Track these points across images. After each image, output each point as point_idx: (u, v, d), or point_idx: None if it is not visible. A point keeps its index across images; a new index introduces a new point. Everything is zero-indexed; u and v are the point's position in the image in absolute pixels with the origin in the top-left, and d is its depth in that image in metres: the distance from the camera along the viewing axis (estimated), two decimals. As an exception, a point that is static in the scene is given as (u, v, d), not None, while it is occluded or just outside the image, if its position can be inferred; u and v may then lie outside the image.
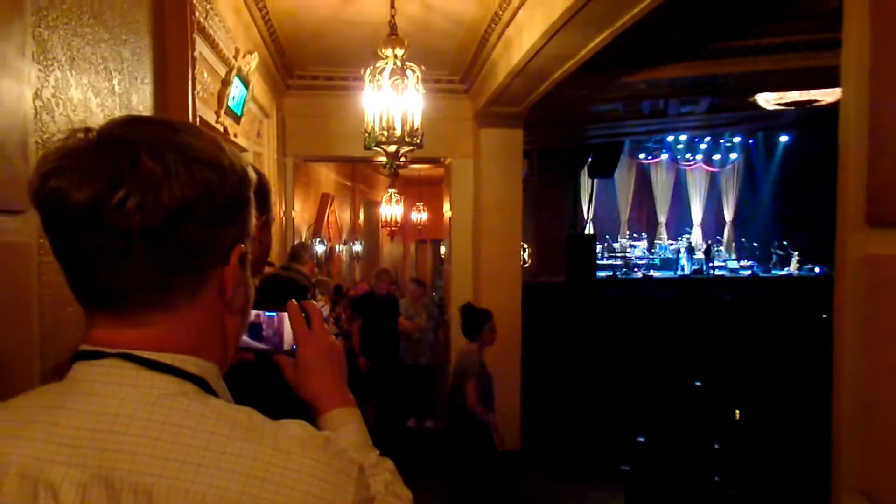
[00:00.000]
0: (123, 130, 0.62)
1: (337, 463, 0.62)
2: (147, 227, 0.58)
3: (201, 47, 2.61)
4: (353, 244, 10.67)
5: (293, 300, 0.91)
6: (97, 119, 1.65)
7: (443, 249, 9.31)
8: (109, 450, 0.58)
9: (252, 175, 0.70)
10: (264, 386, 1.09)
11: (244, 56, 3.27)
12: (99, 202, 0.57)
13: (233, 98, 3.23)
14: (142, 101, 1.97)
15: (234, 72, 3.15)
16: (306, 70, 5.25)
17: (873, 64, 0.93)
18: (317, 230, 7.92)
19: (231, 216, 0.65)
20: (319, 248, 7.37)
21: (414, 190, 11.47)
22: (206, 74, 2.81)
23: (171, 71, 2.14)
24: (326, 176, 8.87)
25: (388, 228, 9.63)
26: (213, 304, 0.67)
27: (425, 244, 13.79)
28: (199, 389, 0.64)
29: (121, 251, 0.59)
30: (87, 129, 0.62)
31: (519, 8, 3.66)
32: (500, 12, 3.87)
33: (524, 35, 3.71)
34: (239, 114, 3.38)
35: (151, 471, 0.57)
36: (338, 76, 5.33)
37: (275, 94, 4.98)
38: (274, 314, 0.93)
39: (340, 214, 9.77)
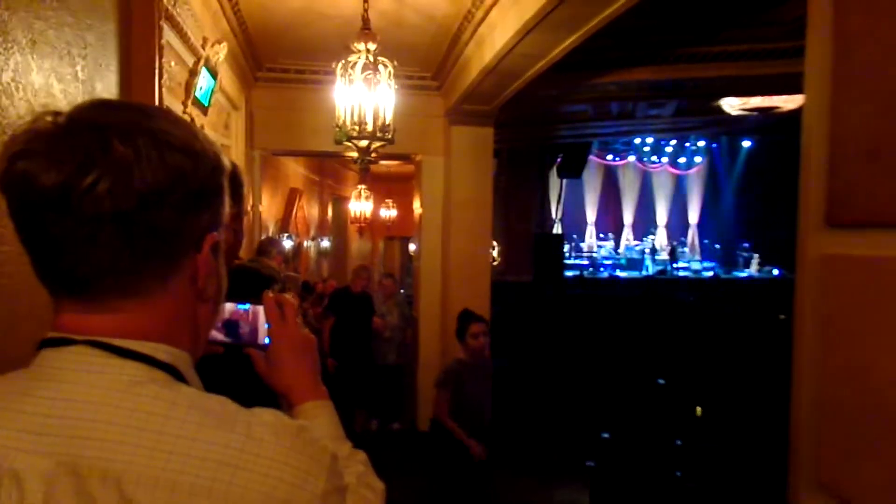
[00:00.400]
0: (94, 114, 0.60)
1: (309, 450, 0.62)
2: (117, 211, 0.57)
3: (168, 35, 2.55)
4: (321, 240, 10.57)
5: (268, 292, 0.91)
6: (60, 105, 1.60)
7: (411, 246, 9.30)
8: (77, 437, 0.57)
9: (226, 163, 0.69)
10: (233, 379, 1.08)
11: (213, 45, 3.21)
12: (68, 186, 0.56)
13: (200, 88, 3.16)
14: (106, 88, 1.92)
15: (203, 61, 3.09)
16: (276, 62, 5.18)
17: (834, 72, 0.96)
18: (284, 225, 7.82)
19: (204, 203, 0.64)
20: (287, 244, 7.28)
21: (383, 186, 11.43)
22: (173, 63, 2.75)
23: (136, 58, 2.09)
24: (295, 171, 8.77)
25: (358, 225, 9.58)
26: (184, 292, 0.66)
27: (394, 241, 13.75)
28: (170, 377, 0.63)
29: (89, 236, 0.58)
30: (57, 113, 0.60)
31: (492, 6, 3.67)
32: (474, 10, 3.89)
33: (497, 34, 3.73)
34: (206, 105, 3.32)
35: (121, 458, 0.56)
36: (308, 69, 5.27)
37: (243, 86, 4.90)
38: (247, 306, 0.91)
39: (308, 210, 9.67)
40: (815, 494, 1.03)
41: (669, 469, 3.79)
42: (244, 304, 0.91)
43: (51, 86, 1.54)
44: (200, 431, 0.58)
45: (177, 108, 2.91)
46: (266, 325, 0.91)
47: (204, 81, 3.18)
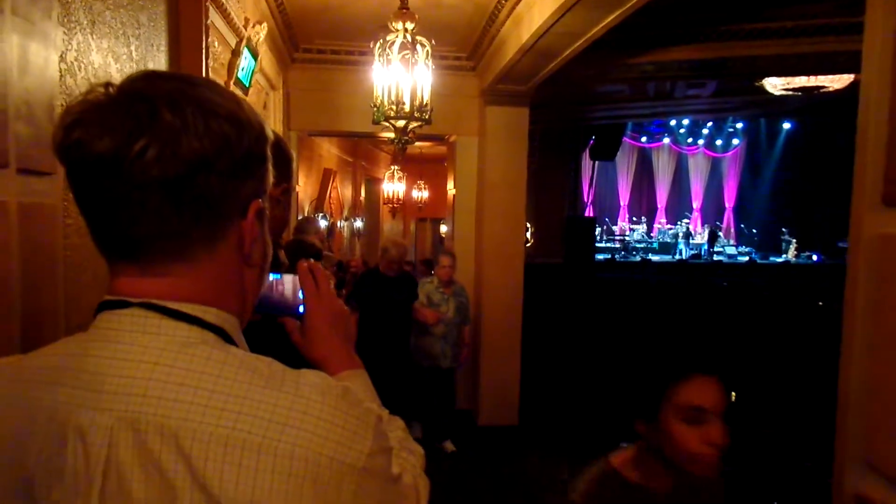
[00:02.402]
0: (143, 84, 0.63)
1: (355, 411, 0.64)
2: (165, 177, 0.60)
3: (213, 16, 2.59)
4: (354, 220, 10.66)
5: (302, 261, 0.92)
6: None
7: (443, 228, 9.31)
8: (135, 394, 0.60)
9: (269, 133, 0.72)
10: (270, 346, 1.11)
11: (253, 26, 3.25)
12: (119, 152, 0.59)
13: (242, 69, 3.21)
14: (157, 68, 1.97)
15: (244, 42, 3.13)
16: (313, 43, 5.20)
17: None
18: (319, 205, 7.91)
19: (249, 170, 0.67)
20: (322, 224, 7.37)
21: (415, 167, 11.44)
22: (216, 44, 2.79)
23: (184, 38, 2.14)
24: (329, 151, 8.84)
25: (391, 205, 9.61)
26: (231, 257, 0.69)
27: (425, 222, 13.79)
28: (220, 339, 0.66)
29: (140, 200, 0.61)
30: (108, 84, 0.63)
31: (531, -16, 3.63)
32: (511, -12, 3.84)
33: (535, 12, 3.68)
34: (247, 85, 3.36)
35: (177, 414, 0.59)
36: (343, 50, 5.29)
37: (281, 67, 4.94)
38: (279, 276, 0.92)
39: (342, 190, 9.75)
40: (863, 473, 1.03)
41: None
42: (276, 273, 0.92)
43: (108, 65, 1.59)
44: (251, 390, 0.60)
45: (220, 88, 2.96)
46: (301, 295, 0.91)
47: (245, 62, 3.22)
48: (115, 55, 1.64)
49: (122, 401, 0.60)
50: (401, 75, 3.28)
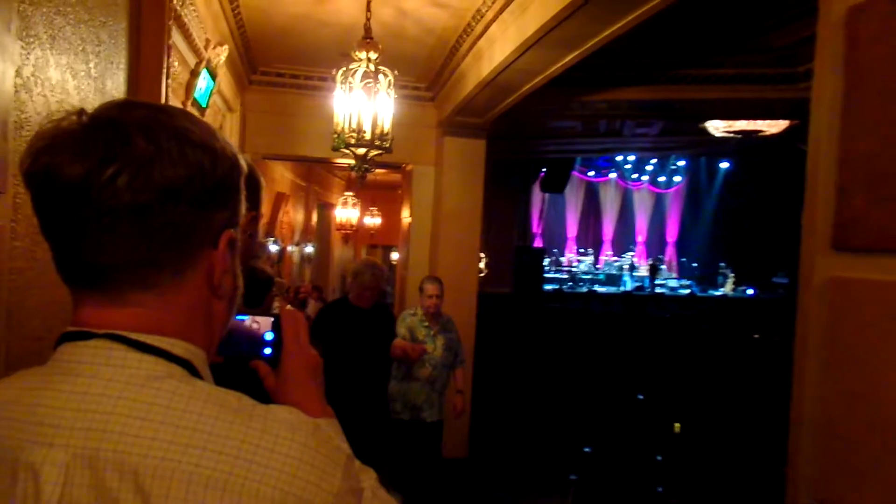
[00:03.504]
0: (117, 112, 0.62)
1: (325, 449, 0.62)
2: (136, 204, 0.59)
3: (174, 35, 2.55)
4: (305, 246, 10.51)
5: (289, 307, 0.90)
6: (73, 101, 1.59)
7: (394, 255, 9.29)
8: (94, 430, 0.58)
9: (243, 163, 0.71)
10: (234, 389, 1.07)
11: (214, 47, 3.21)
12: (89, 178, 0.58)
13: (199, 89, 3.16)
14: (116, 87, 1.91)
15: (204, 63, 3.09)
16: (271, 66, 5.18)
17: (845, 103, 0.99)
18: (270, 230, 7.77)
19: (221, 200, 0.66)
20: (273, 248, 7.22)
21: (368, 194, 11.42)
22: (176, 63, 2.74)
23: (145, 57, 2.09)
24: (282, 175, 8.73)
25: (343, 232, 9.52)
26: (200, 288, 0.67)
27: (376, 249, 13.73)
28: (187, 373, 0.64)
29: (109, 227, 0.59)
30: (81, 112, 0.62)
31: (492, 21, 3.73)
32: (473, 24, 3.94)
33: (496, 48, 3.78)
34: (204, 106, 3.31)
35: (138, 451, 0.56)
36: (303, 75, 5.28)
37: (238, 88, 4.88)
38: (245, 317, 0.89)
39: (294, 215, 9.62)
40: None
41: (651, 484, 3.83)
42: (243, 314, 0.88)
43: (66, 81, 1.53)
44: (217, 426, 0.58)
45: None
46: (267, 338, 0.88)
47: (203, 83, 3.17)
48: (73, 71, 1.58)
49: (80, 436, 0.58)
50: (362, 103, 3.29)
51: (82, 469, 0.57)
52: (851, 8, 0.91)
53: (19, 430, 0.59)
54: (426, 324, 4.06)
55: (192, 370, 0.65)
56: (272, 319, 0.89)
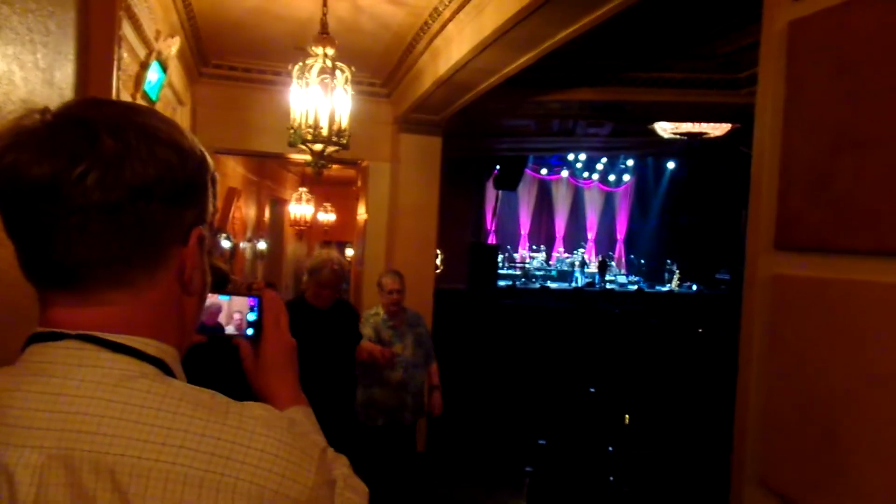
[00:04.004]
0: (82, 110, 0.63)
1: (300, 443, 0.63)
2: (106, 202, 0.59)
3: (124, 26, 2.47)
4: (258, 242, 10.32)
5: (271, 288, 0.92)
6: (20, 93, 1.54)
7: (349, 251, 9.22)
8: (69, 430, 0.58)
9: (210, 161, 0.72)
10: (214, 370, 1.07)
11: (165, 39, 3.12)
12: (58, 177, 0.58)
13: (150, 82, 3.07)
14: (64, 78, 1.85)
15: (154, 55, 3.01)
16: (223, 59, 5.06)
17: (786, 111, 1.05)
18: (222, 225, 7.60)
19: (191, 198, 0.67)
20: (225, 245, 7.06)
21: (322, 189, 11.29)
22: (125, 55, 2.66)
23: (94, 48, 2.02)
24: (234, 169, 8.54)
25: (297, 228, 9.38)
26: (171, 286, 0.68)
27: (330, 245, 13.58)
28: (160, 371, 0.64)
29: (78, 225, 0.59)
30: (45, 110, 0.62)
31: (449, 20, 3.75)
32: (430, 22, 3.95)
33: (453, 47, 3.81)
34: (154, 99, 3.22)
35: (114, 450, 0.57)
36: (256, 68, 5.18)
37: (189, 81, 4.76)
38: (227, 297, 0.91)
39: (246, 210, 9.43)
40: (758, 492, 1.13)
41: (603, 474, 3.96)
42: (226, 294, 0.91)
43: (13, 73, 1.47)
44: (192, 423, 0.59)
45: (126, 99, 2.82)
46: (250, 318, 0.90)
47: (154, 75, 3.09)
48: (20, 62, 1.52)
49: (54, 437, 0.58)
50: (319, 99, 3.27)
51: (58, 469, 0.57)
52: (792, 22, 0.97)
53: None
54: (391, 323, 3.70)
55: (166, 369, 0.65)
56: (256, 300, 0.91)
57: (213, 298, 0.89)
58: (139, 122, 0.63)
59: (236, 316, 0.90)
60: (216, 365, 1.07)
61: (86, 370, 0.60)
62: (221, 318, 0.90)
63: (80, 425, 0.58)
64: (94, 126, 0.60)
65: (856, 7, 0.82)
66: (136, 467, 0.56)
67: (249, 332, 0.90)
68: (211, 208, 0.72)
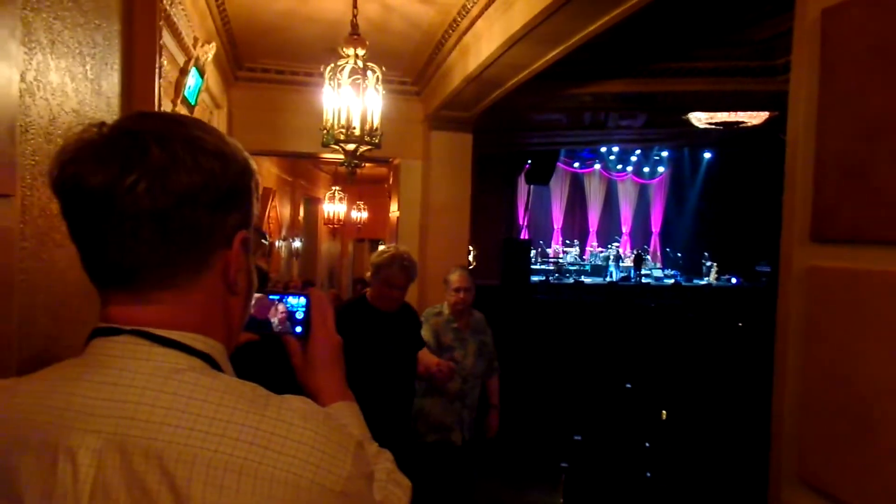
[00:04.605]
0: (133, 123, 0.67)
1: (336, 436, 0.66)
2: (155, 209, 0.64)
3: (164, 35, 2.56)
4: (293, 241, 10.49)
5: (316, 288, 0.95)
6: (72, 103, 1.62)
7: (380, 248, 9.30)
8: (123, 417, 0.63)
9: (254, 166, 0.75)
10: (265, 367, 1.12)
11: (202, 45, 3.21)
12: (112, 185, 0.63)
13: (188, 87, 3.16)
14: (110, 88, 1.93)
15: (193, 61, 3.10)
16: (257, 62, 5.16)
17: (821, 98, 1.03)
18: (258, 225, 7.75)
19: (234, 203, 0.70)
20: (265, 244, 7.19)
21: (355, 188, 11.40)
22: (165, 62, 2.75)
23: (137, 58, 2.10)
24: (268, 170, 8.71)
25: (331, 226, 9.51)
26: (217, 286, 0.72)
27: (363, 243, 13.71)
28: (207, 365, 0.69)
29: (131, 231, 0.64)
30: (102, 124, 0.67)
31: (478, 17, 3.76)
32: (459, 19, 3.97)
33: (482, 44, 3.82)
34: (193, 103, 3.32)
35: (162, 437, 0.61)
36: (288, 70, 5.27)
37: (225, 85, 4.88)
38: (277, 297, 0.95)
39: (281, 210, 9.60)
40: (797, 488, 1.12)
41: (640, 470, 3.92)
42: (274, 294, 0.95)
43: (65, 84, 1.55)
44: (234, 415, 0.63)
45: (167, 106, 2.91)
46: (299, 316, 0.94)
47: (192, 80, 3.18)
48: (71, 74, 1.60)
49: (111, 423, 0.63)
50: (351, 100, 3.32)
51: (113, 453, 0.62)
52: (825, 10, 0.96)
53: (59, 417, 0.64)
54: (455, 325, 3.31)
55: (213, 363, 0.69)
56: (305, 300, 0.95)
57: (262, 298, 0.94)
58: (185, 132, 0.67)
59: (284, 315, 0.94)
60: (266, 361, 1.12)
61: (139, 363, 0.65)
62: (271, 317, 0.94)
63: (133, 413, 0.63)
64: (143, 138, 0.65)
65: (890, -6, 0.81)
66: (182, 454, 0.60)
67: (298, 329, 0.94)
68: (255, 211, 0.76)
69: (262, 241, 6.69)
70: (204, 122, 0.74)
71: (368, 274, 3.02)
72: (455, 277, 3.32)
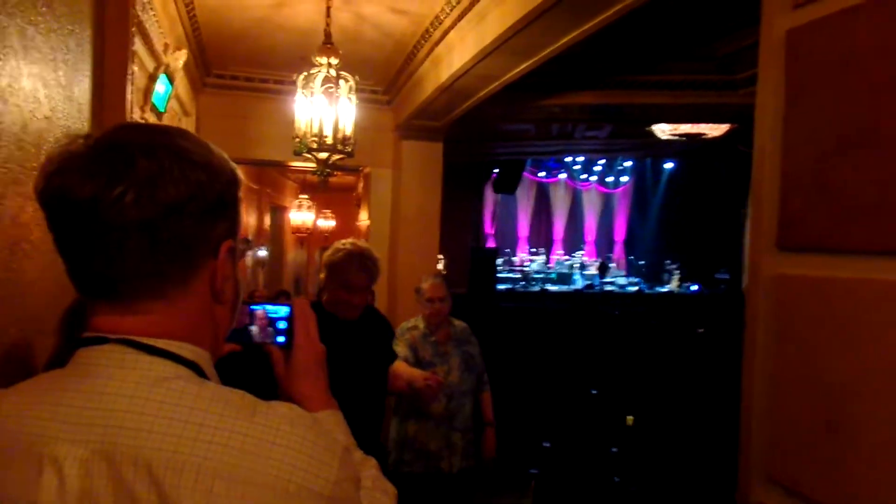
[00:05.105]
0: (120, 135, 0.68)
1: (322, 441, 0.68)
2: (142, 220, 0.64)
3: (136, 41, 2.53)
4: (258, 249, 10.35)
5: (302, 298, 0.96)
6: (44, 110, 1.58)
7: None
8: (111, 426, 0.63)
9: (240, 176, 0.76)
10: (248, 376, 1.11)
11: (173, 52, 3.17)
12: (98, 197, 0.63)
13: (158, 94, 3.12)
14: (82, 94, 1.89)
15: (162, 68, 3.05)
16: (226, 69, 5.11)
17: (786, 115, 1.08)
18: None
19: (221, 213, 0.72)
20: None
21: (322, 196, 11.32)
22: (136, 69, 2.71)
23: (108, 64, 2.07)
24: (234, 178, 8.58)
25: (299, 234, 9.41)
26: (203, 295, 0.73)
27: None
28: (194, 374, 0.69)
29: (117, 242, 0.65)
30: (87, 136, 0.68)
31: (450, 28, 3.80)
32: (432, 30, 4.00)
33: (455, 54, 3.86)
34: (162, 110, 3.27)
35: (151, 445, 0.62)
36: (258, 78, 5.23)
37: (193, 92, 4.81)
38: (259, 307, 0.95)
39: (246, 218, 9.46)
40: (767, 488, 1.16)
41: (608, 475, 3.98)
42: (257, 304, 0.94)
43: (37, 90, 1.52)
44: (222, 421, 0.64)
45: (135, 113, 2.87)
46: (281, 326, 0.93)
47: (161, 87, 3.13)
48: (44, 81, 1.57)
49: (98, 432, 0.63)
50: (324, 108, 3.32)
51: (100, 462, 0.62)
52: (790, 31, 1.01)
53: (44, 427, 0.64)
54: (433, 338, 2.99)
55: (200, 371, 0.70)
56: (287, 309, 0.95)
57: (242, 307, 0.93)
58: (172, 143, 0.68)
59: (265, 324, 0.94)
60: (249, 371, 1.11)
61: (126, 371, 0.66)
62: (253, 327, 0.94)
63: (120, 421, 0.63)
64: (130, 149, 0.65)
65: (855, 15, 0.86)
66: (171, 461, 0.61)
67: (280, 339, 0.93)
68: (241, 220, 0.77)
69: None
70: (190, 133, 0.74)
71: (322, 275, 2.38)
72: (427, 287, 3.01)
